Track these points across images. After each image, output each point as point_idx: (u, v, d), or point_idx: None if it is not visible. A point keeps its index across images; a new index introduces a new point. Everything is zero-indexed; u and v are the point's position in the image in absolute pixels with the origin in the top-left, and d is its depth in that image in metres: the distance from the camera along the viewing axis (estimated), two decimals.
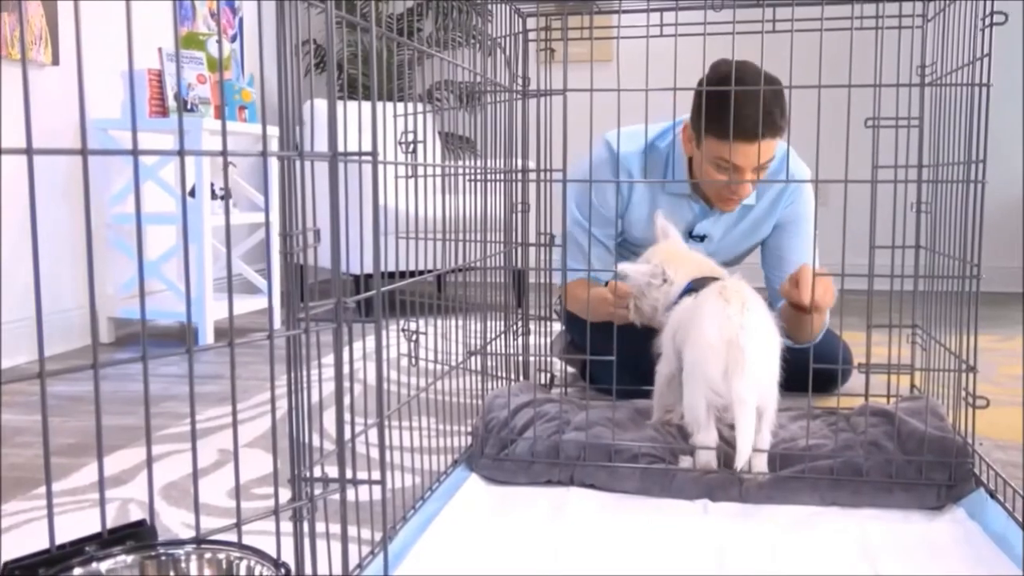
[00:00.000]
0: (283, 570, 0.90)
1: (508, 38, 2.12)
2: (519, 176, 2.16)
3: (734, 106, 1.79)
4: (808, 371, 1.71)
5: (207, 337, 3.29)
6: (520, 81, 2.15)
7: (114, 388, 2.62)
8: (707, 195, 2.28)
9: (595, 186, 2.22)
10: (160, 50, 3.32)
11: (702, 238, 2.35)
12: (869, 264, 1.68)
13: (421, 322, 1.91)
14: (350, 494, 1.10)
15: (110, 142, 3.33)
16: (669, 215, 2.25)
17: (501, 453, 1.78)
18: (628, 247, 2.39)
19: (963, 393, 1.65)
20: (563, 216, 2.01)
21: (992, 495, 1.59)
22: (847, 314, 1.77)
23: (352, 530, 1.42)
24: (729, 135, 1.90)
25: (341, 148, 1.04)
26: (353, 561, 1.27)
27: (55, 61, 3.10)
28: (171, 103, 3.32)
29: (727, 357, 1.60)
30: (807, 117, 1.77)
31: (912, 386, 2.11)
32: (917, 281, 1.86)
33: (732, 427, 1.62)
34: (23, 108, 0.76)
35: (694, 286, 1.84)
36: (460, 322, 2.00)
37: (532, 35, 2.15)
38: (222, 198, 3.63)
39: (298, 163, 1.04)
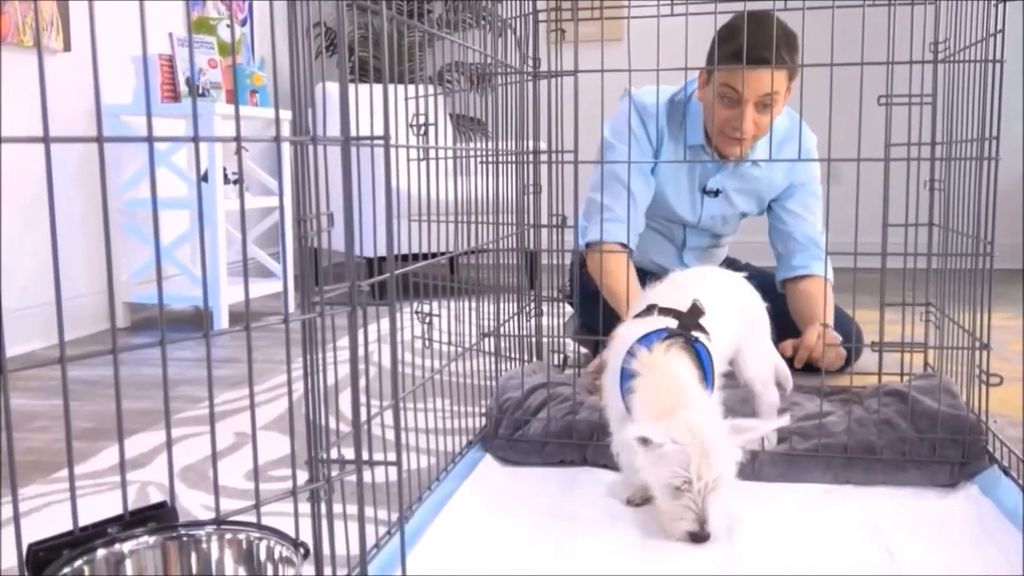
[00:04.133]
0: (302, 550, 0.92)
1: (518, 19, 2.12)
2: (530, 157, 2.16)
3: (741, 33, 1.81)
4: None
5: (222, 321, 3.31)
6: (531, 62, 2.15)
7: (129, 373, 2.64)
8: (713, 138, 2.27)
9: (625, 138, 2.21)
10: (171, 35, 3.33)
11: (716, 192, 2.36)
12: (882, 242, 1.68)
13: (435, 304, 1.91)
14: (366, 475, 1.11)
15: (122, 128, 3.34)
16: (684, 167, 2.31)
17: (515, 434, 1.79)
18: (656, 216, 2.38)
19: (977, 371, 1.65)
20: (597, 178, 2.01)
21: (1006, 472, 1.59)
22: (860, 292, 1.77)
23: (368, 511, 1.43)
24: (734, 60, 1.92)
25: (353, 132, 1.04)
26: (370, 541, 1.29)
27: (67, 47, 3.10)
28: (183, 88, 3.33)
29: None
30: (819, 95, 1.76)
31: (926, 364, 2.11)
32: (930, 259, 1.86)
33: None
34: (39, 96, 0.77)
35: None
36: (474, 304, 2.01)
37: (542, 15, 2.15)
38: (235, 183, 3.64)
39: (311, 147, 1.05)
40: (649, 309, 1.66)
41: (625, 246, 2.18)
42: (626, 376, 1.52)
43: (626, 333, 1.60)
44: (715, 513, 1.40)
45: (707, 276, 1.88)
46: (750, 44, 1.85)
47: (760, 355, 1.80)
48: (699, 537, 1.39)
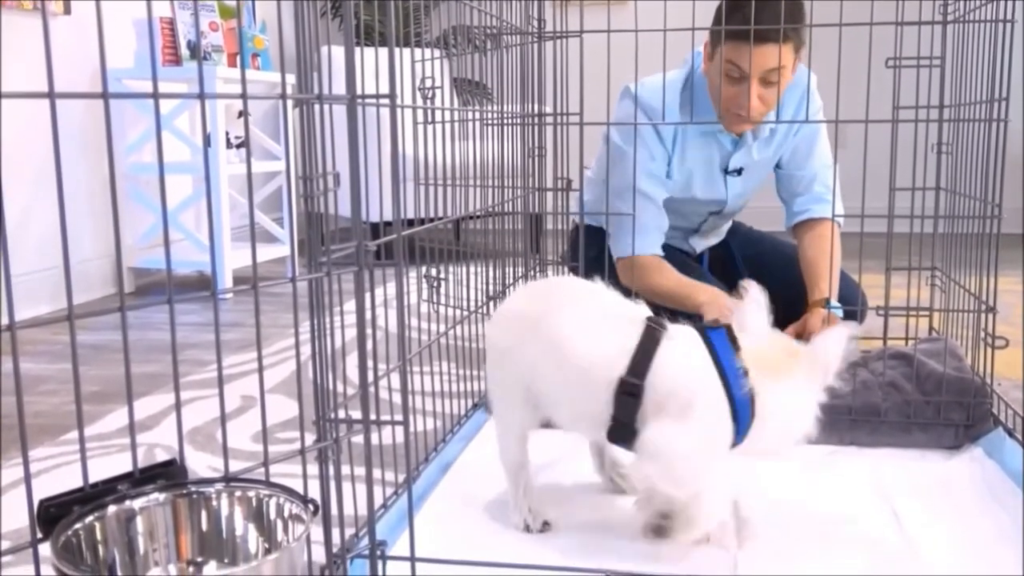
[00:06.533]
0: (312, 506, 0.92)
1: None
2: (535, 120, 2.14)
3: (745, 7, 1.77)
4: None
5: (226, 285, 3.31)
6: (536, 23, 2.13)
7: (135, 337, 2.65)
8: (721, 116, 2.24)
9: (639, 141, 2.14)
10: None
11: (739, 171, 2.32)
12: (889, 206, 1.67)
13: (440, 269, 1.91)
14: (373, 436, 1.12)
15: (124, 91, 3.32)
16: (703, 154, 2.23)
17: None
18: (678, 208, 2.35)
19: (982, 334, 1.65)
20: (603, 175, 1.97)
21: (1011, 434, 1.59)
22: (866, 257, 1.76)
23: (376, 472, 1.44)
24: (737, 37, 1.87)
25: (358, 92, 1.03)
26: (377, 501, 1.29)
27: (67, 11, 3.08)
28: (184, 52, 3.31)
29: None
30: (828, 56, 1.75)
31: (931, 328, 2.11)
32: (937, 222, 1.85)
33: None
34: (43, 54, 0.76)
35: None
36: (478, 268, 2.01)
37: None
38: (238, 147, 3.62)
39: (316, 107, 1.04)
40: None
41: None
42: None
43: None
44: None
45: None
46: (748, 19, 1.81)
47: None
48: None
